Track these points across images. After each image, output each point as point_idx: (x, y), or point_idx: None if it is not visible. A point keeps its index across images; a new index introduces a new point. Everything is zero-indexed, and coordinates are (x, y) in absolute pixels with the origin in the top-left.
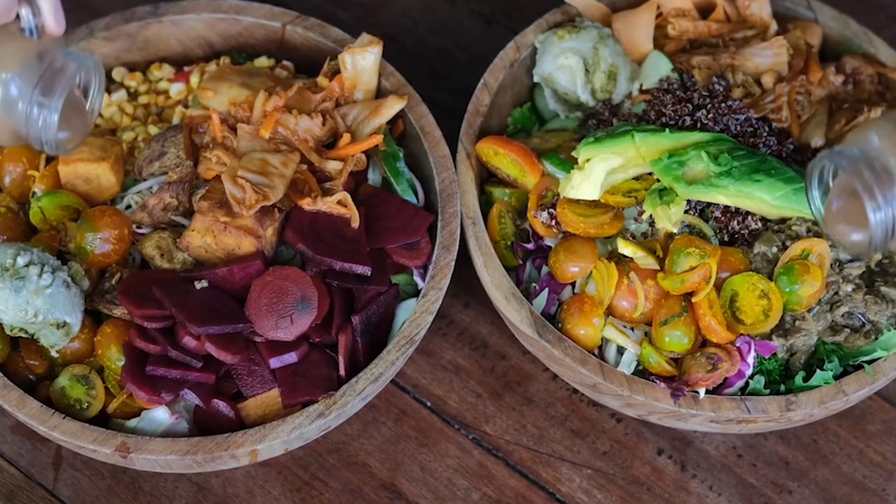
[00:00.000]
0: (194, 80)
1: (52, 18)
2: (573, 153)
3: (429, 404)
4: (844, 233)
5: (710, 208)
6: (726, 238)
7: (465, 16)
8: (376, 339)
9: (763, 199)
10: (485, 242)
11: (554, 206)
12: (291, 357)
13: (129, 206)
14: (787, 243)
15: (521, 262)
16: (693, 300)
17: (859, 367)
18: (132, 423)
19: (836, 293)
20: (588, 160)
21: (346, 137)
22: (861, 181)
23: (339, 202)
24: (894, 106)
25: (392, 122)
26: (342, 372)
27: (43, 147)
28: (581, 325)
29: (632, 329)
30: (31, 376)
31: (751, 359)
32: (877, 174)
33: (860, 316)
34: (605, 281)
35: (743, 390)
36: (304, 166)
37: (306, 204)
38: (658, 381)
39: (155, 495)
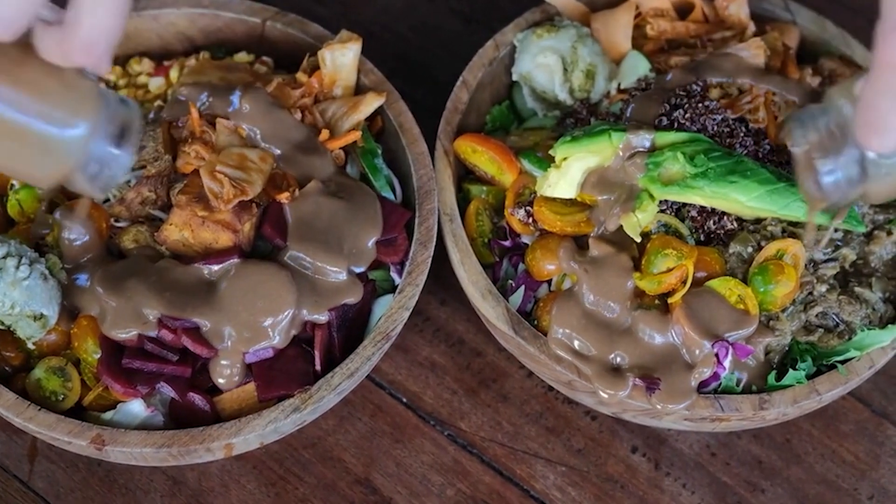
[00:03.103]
0: (174, 74)
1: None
2: (550, 152)
3: (404, 400)
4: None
5: (687, 208)
6: (702, 238)
7: (445, 14)
8: (352, 334)
9: (738, 200)
10: (462, 239)
11: (531, 203)
12: (267, 352)
13: (107, 200)
14: (763, 243)
15: (497, 259)
16: (670, 301)
17: (832, 367)
18: (108, 415)
19: (811, 293)
20: (565, 159)
21: (325, 133)
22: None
23: None
24: None
25: (370, 119)
26: (318, 367)
27: (93, 190)
28: None
29: None
30: (6, 368)
31: (727, 362)
32: (830, 133)
33: (834, 316)
34: None
35: (716, 389)
36: None
37: (284, 199)
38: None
39: (130, 488)
